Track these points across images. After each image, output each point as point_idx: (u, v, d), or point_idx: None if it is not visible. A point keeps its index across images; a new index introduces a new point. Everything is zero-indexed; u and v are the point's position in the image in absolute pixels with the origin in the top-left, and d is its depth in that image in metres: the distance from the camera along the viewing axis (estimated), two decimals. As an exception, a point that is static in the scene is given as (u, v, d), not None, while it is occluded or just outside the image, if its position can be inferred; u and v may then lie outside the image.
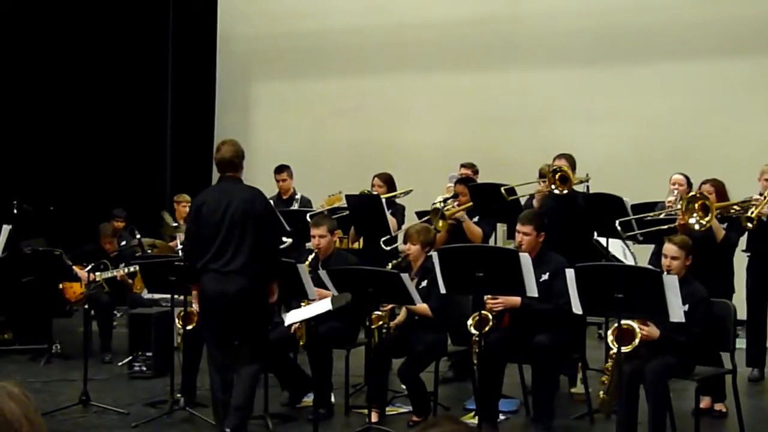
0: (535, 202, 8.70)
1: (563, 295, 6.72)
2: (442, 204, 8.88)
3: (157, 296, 10.31)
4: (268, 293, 6.93)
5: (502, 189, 8.69)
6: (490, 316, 7.16)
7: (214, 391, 6.97)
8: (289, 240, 9.56)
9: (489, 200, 8.81)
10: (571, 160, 8.77)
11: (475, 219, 8.98)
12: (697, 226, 7.50)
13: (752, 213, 8.20)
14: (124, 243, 10.59)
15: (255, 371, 6.89)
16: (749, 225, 8.32)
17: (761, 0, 12.03)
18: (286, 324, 7.11)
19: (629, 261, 9.09)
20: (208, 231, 6.81)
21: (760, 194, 8.44)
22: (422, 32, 13.78)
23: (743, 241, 8.93)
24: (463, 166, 10.15)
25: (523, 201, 8.89)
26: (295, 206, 10.49)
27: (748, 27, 11.99)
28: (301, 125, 14.19)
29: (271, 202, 9.45)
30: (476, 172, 10.10)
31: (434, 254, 6.98)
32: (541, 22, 13.18)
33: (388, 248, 9.03)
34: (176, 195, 12.74)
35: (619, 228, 8.15)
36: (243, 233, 6.72)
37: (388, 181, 9.88)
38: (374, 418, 7.32)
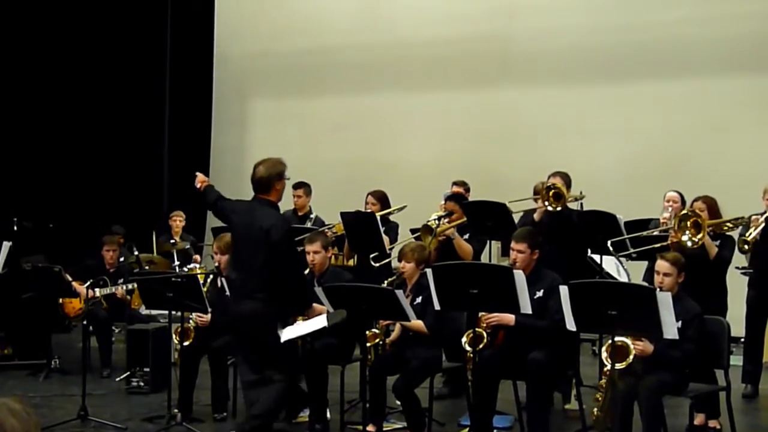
0: (536, 216, 8.74)
1: (558, 312, 6.72)
2: (436, 222, 8.92)
3: (154, 312, 10.37)
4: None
5: (507, 203, 8.74)
6: (485, 334, 7.20)
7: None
8: None
9: (484, 217, 8.86)
10: (566, 178, 8.82)
11: (466, 236, 9.02)
12: (689, 244, 7.53)
13: (749, 236, 8.26)
14: (122, 259, 10.63)
15: (276, 393, 6.78)
16: (746, 247, 8.38)
17: (754, 19, 12.11)
18: (282, 340, 7.15)
19: (623, 278, 9.14)
20: (234, 246, 6.97)
21: (761, 213, 8.50)
22: (417, 50, 13.87)
23: (741, 259, 8.99)
24: (454, 183, 10.20)
25: (517, 218, 8.93)
26: (308, 224, 10.53)
27: (742, 45, 12.08)
28: (296, 143, 14.24)
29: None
30: (468, 190, 10.14)
31: (428, 271, 7.01)
32: (535, 40, 13.27)
33: (377, 265, 9.09)
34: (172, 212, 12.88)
35: (611, 248, 8.20)
36: (258, 259, 6.67)
37: (382, 199, 9.93)
38: (370, 434, 7.37)
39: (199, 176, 7.44)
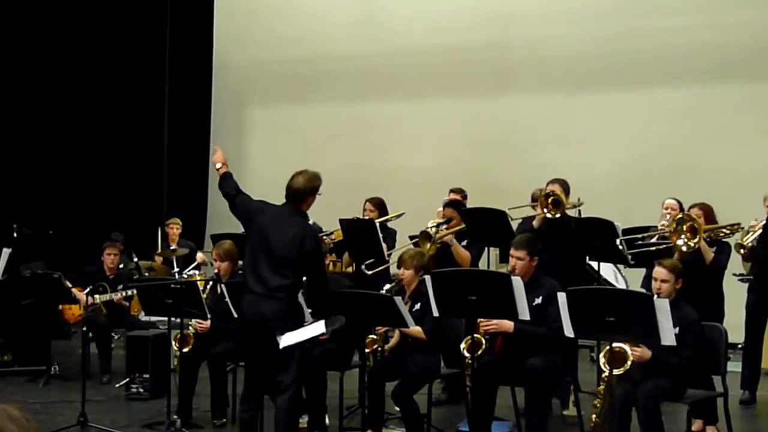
0: (535, 223, 8.76)
1: (557, 319, 6.72)
2: (434, 229, 8.94)
3: (154, 319, 10.39)
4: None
5: (507, 210, 8.78)
6: (483, 340, 7.22)
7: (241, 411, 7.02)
8: None
9: (482, 224, 8.88)
10: (564, 185, 8.83)
11: (464, 243, 9.04)
12: (684, 248, 7.55)
13: (746, 240, 8.28)
14: (122, 266, 10.66)
15: (289, 398, 6.79)
16: (742, 251, 8.40)
17: (749, 27, 12.13)
18: (280, 347, 7.17)
19: (620, 285, 9.17)
20: (255, 245, 6.88)
21: (760, 219, 8.53)
22: (415, 58, 13.89)
23: (739, 266, 9.01)
24: (452, 191, 10.19)
25: (514, 225, 8.95)
26: None
27: (739, 53, 12.09)
28: (294, 150, 14.23)
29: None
30: (465, 197, 10.13)
31: (427, 278, 7.03)
32: (532, 48, 13.29)
33: (370, 272, 9.11)
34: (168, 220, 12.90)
35: (620, 246, 8.20)
36: (285, 263, 6.74)
37: (380, 206, 9.96)
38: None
39: (218, 153, 7.39)
